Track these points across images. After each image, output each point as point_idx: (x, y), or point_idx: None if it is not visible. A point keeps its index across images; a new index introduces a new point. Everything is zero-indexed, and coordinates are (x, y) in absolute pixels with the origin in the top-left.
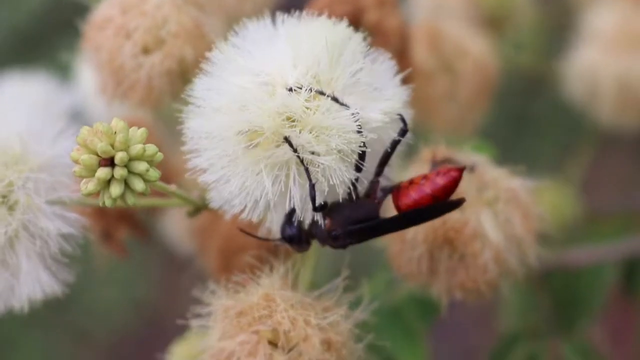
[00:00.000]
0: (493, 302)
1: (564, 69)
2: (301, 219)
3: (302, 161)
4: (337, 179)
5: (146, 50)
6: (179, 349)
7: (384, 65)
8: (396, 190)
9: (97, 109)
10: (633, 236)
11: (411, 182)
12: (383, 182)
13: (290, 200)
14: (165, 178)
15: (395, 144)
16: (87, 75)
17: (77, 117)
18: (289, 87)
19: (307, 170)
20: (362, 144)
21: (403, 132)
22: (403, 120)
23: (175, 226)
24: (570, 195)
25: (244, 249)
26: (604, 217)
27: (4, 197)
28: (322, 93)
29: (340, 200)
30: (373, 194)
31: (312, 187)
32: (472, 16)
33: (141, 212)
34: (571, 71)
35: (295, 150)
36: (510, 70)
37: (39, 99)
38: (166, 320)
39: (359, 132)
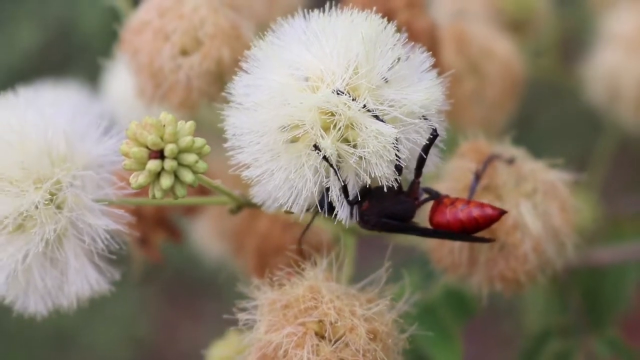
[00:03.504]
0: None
1: (584, 72)
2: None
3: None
4: (378, 172)
5: (184, 52)
6: (216, 349)
7: (419, 58)
8: (436, 203)
9: (127, 118)
10: None
11: (453, 202)
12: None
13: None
14: (201, 186)
15: (427, 146)
16: (116, 85)
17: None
18: (335, 90)
19: (335, 171)
20: (397, 143)
21: (434, 135)
22: (434, 122)
23: (206, 230)
24: (590, 200)
25: (281, 248)
26: (624, 218)
27: (52, 195)
28: (367, 109)
29: (385, 190)
30: (414, 194)
31: (344, 186)
32: (494, 20)
33: (175, 216)
34: (592, 74)
35: (331, 165)
36: (531, 74)
37: (76, 103)
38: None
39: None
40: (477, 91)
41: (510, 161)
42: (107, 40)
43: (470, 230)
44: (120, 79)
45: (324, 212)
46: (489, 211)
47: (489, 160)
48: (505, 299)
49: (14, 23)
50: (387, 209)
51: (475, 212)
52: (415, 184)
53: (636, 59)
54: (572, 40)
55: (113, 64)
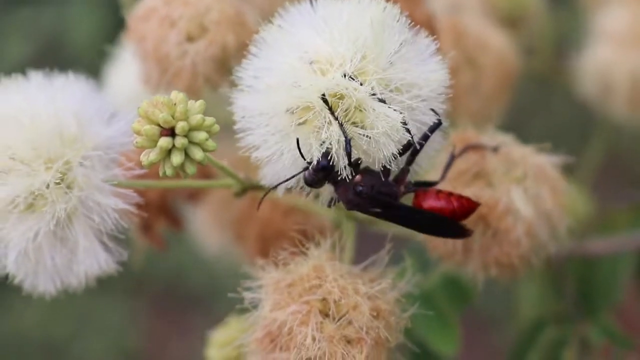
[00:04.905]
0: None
1: (576, 67)
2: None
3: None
4: (386, 152)
5: (190, 38)
6: (218, 334)
7: (424, 42)
8: (422, 192)
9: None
10: None
11: (439, 192)
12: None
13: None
14: (205, 172)
15: (427, 135)
16: (120, 77)
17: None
18: (345, 73)
19: (341, 125)
20: (405, 127)
21: (437, 123)
22: (436, 112)
23: (207, 219)
24: (583, 193)
25: (283, 234)
26: (616, 211)
27: (62, 174)
28: (374, 95)
29: (375, 170)
30: (401, 181)
31: (349, 142)
32: (488, 15)
33: (178, 204)
34: (584, 69)
35: (336, 118)
36: (524, 71)
37: (85, 89)
38: None
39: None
40: (473, 83)
41: (495, 149)
42: (98, 53)
43: (459, 217)
44: (120, 72)
45: (318, 171)
46: (465, 202)
47: (470, 146)
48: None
49: (3, 36)
50: (376, 187)
51: (465, 202)
52: (404, 171)
53: (628, 54)
54: (565, 37)
55: (111, 59)
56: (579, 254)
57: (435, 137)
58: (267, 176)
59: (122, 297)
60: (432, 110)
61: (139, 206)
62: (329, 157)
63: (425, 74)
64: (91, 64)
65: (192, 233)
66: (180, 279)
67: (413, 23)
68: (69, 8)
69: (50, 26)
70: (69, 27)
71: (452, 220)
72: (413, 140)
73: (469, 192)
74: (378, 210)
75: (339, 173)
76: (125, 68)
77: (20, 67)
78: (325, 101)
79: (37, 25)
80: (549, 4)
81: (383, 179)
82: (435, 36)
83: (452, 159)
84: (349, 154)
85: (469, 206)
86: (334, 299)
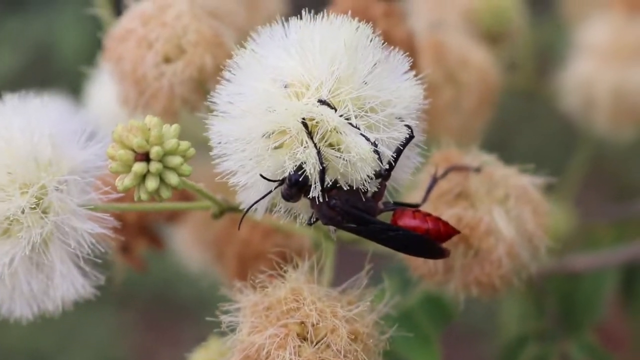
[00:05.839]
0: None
1: (559, 82)
2: (307, 175)
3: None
4: (363, 175)
5: (167, 60)
6: (198, 354)
7: (397, 60)
8: (400, 211)
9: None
10: (630, 244)
11: (416, 212)
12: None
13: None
14: (183, 193)
15: (399, 150)
16: (99, 96)
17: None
18: (320, 99)
19: (318, 152)
20: (377, 147)
21: (409, 137)
22: (409, 126)
23: (187, 238)
24: (565, 210)
25: (262, 255)
26: (599, 227)
27: (38, 199)
28: (350, 124)
29: (351, 186)
30: (378, 197)
31: (323, 170)
32: (469, 32)
33: (157, 225)
34: (566, 84)
35: (314, 144)
36: (506, 87)
37: (61, 110)
38: None
39: (376, 152)
40: (454, 100)
41: (477, 170)
42: (87, 63)
43: (433, 234)
44: (103, 90)
45: (292, 187)
46: (450, 231)
47: (452, 168)
48: (481, 315)
49: None
50: (352, 202)
51: (442, 226)
52: (382, 186)
53: (610, 69)
54: (547, 52)
55: (95, 75)
56: (561, 271)
57: (411, 152)
58: (244, 202)
59: (110, 309)
60: (407, 126)
61: (117, 228)
62: (300, 172)
63: (399, 91)
64: (79, 75)
65: (174, 251)
66: (168, 291)
67: (392, 43)
68: (57, 19)
69: (39, 36)
70: (57, 39)
71: (429, 239)
72: (382, 170)
73: (451, 212)
74: (353, 225)
75: (313, 187)
76: (106, 87)
77: (8, 79)
78: (305, 125)
79: (27, 36)
80: (530, 19)
81: (360, 195)
82: (415, 54)
83: (435, 181)
84: (322, 181)
85: (446, 231)
86: (312, 322)
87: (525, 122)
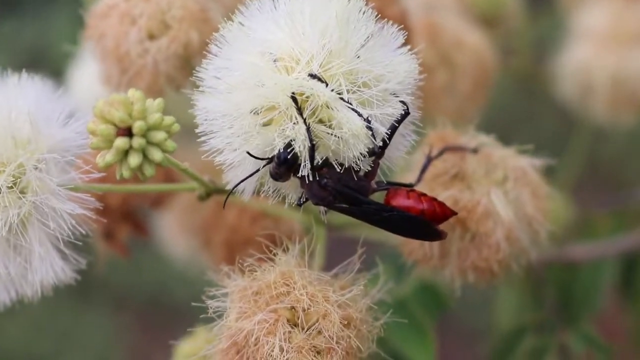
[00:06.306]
0: None
1: (556, 68)
2: (297, 152)
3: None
4: (355, 152)
5: (152, 36)
6: (184, 345)
7: (390, 33)
8: (393, 190)
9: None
10: (628, 234)
11: (410, 191)
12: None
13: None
14: (168, 175)
15: (394, 126)
16: (81, 77)
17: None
18: (310, 73)
19: (308, 129)
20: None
21: (405, 114)
22: (404, 102)
23: (172, 225)
24: (563, 200)
25: (250, 240)
26: (597, 217)
27: (15, 178)
28: (341, 99)
29: (344, 164)
30: (371, 176)
31: (312, 148)
32: (464, 14)
33: (142, 211)
34: (564, 70)
35: (304, 120)
36: (502, 71)
37: (41, 88)
38: None
39: (369, 128)
40: (449, 83)
41: (474, 151)
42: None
43: (422, 214)
44: (86, 70)
45: (281, 165)
46: (447, 211)
47: (447, 148)
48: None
49: None
50: (344, 180)
51: (437, 206)
52: (375, 164)
53: (608, 54)
54: (544, 37)
55: (77, 58)
56: (560, 261)
57: (406, 130)
58: (231, 182)
59: (105, 312)
60: (401, 102)
61: (100, 212)
62: (289, 150)
63: (393, 65)
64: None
65: (159, 240)
66: (164, 294)
67: (386, 21)
68: (52, 23)
69: (33, 40)
70: (50, 41)
71: (424, 220)
72: (376, 147)
73: (447, 194)
74: (345, 205)
75: (303, 165)
76: (88, 68)
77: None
78: (294, 100)
79: (20, 39)
80: (526, 3)
81: (353, 174)
82: (408, 34)
83: (429, 161)
84: (312, 159)
85: (442, 212)
86: (303, 307)
87: (522, 108)
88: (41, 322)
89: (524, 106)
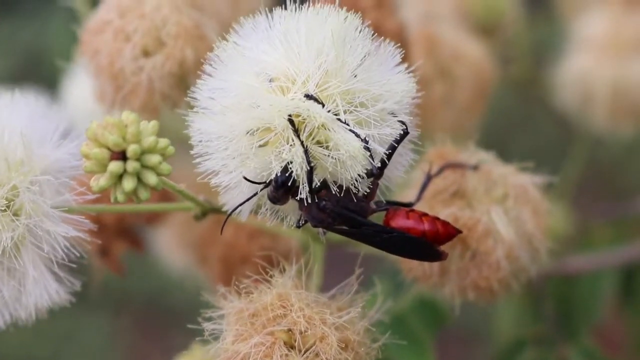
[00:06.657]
0: None
1: (555, 76)
2: (294, 175)
3: (306, 150)
4: (353, 173)
5: (146, 53)
6: None
7: (388, 52)
8: (393, 211)
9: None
10: (628, 244)
11: (410, 212)
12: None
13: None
14: (164, 193)
15: (393, 146)
16: (75, 92)
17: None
18: (307, 94)
19: (306, 152)
20: (368, 143)
21: (404, 134)
22: (403, 122)
23: (169, 240)
24: (563, 213)
25: (247, 258)
26: (595, 227)
27: (8, 201)
28: (338, 119)
29: (342, 186)
30: (370, 197)
31: (310, 170)
32: (463, 24)
33: (137, 226)
34: (563, 78)
35: (301, 142)
36: (501, 80)
37: (34, 107)
38: None
39: (366, 149)
40: (448, 95)
41: (474, 168)
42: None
43: (423, 235)
44: (80, 85)
45: (279, 189)
46: (451, 230)
47: (447, 165)
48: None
49: None
50: (343, 202)
51: (440, 226)
52: (374, 185)
53: (608, 63)
54: (544, 45)
55: (72, 71)
56: (559, 273)
57: (404, 149)
58: (228, 204)
59: (104, 316)
60: (400, 121)
61: (95, 230)
62: (287, 174)
63: (390, 84)
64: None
65: (156, 254)
66: (162, 298)
67: (382, 34)
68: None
69: (30, 42)
70: (48, 43)
71: (425, 242)
72: (374, 168)
73: (447, 211)
74: (344, 227)
75: (301, 188)
76: (83, 83)
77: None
78: (291, 122)
79: (17, 41)
80: (525, 12)
81: (352, 195)
82: (406, 47)
83: (429, 179)
84: (310, 182)
85: (446, 231)
86: (300, 329)
87: (522, 118)
88: (40, 325)
89: (523, 114)
